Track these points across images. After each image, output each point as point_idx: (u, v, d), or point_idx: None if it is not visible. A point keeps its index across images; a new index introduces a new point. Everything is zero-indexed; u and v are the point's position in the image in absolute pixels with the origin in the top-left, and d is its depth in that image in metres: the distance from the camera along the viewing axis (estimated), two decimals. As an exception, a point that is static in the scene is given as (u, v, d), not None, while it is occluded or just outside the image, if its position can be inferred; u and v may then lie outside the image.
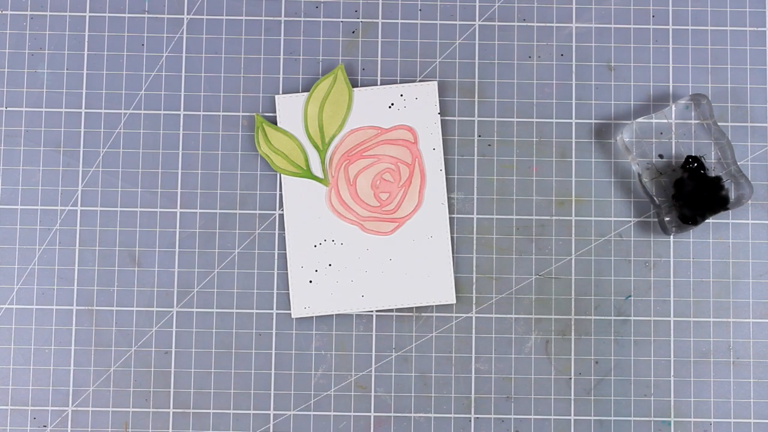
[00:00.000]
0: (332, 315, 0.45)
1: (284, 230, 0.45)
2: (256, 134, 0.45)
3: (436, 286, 0.45)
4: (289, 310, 0.45)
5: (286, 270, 0.45)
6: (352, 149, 0.45)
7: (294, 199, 0.45)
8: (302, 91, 0.46)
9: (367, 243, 0.45)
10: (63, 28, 0.46)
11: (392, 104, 0.45)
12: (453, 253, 0.45)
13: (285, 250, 0.45)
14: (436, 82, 0.46)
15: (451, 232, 0.45)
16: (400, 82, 0.46)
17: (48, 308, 0.45)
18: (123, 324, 0.45)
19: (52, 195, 0.46)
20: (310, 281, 0.45)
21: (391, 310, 0.45)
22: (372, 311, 0.45)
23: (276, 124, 0.45)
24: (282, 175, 0.45)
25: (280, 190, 0.46)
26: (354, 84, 0.46)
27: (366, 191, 0.45)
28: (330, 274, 0.45)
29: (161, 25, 0.46)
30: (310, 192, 0.45)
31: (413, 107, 0.45)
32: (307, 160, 0.45)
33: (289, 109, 0.45)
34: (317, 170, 0.45)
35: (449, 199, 0.45)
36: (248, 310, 0.45)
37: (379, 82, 0.46)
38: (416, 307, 0.45)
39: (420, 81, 0.46)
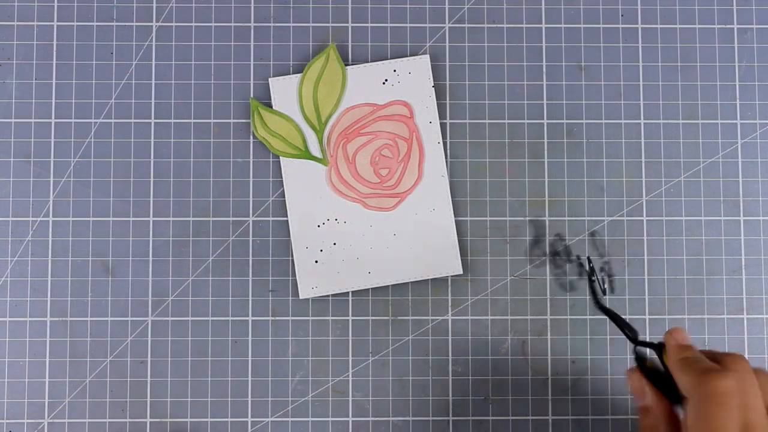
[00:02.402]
0: (308, 320, 0.45)
1: (287, 214, 0.45)
2: (252, 118, 0.45)
3: (442, 258, 0.45)
4: (268, 316, 0.45)
5: (262, 276, 0.45)
6: (349, 127, 0.45)
7: (294, 180, 0.45)
8: (294, 73, 0.46)
9: (370, 220, 0.45)
10: (31, 37, 0.46)
11: (386, 80, 0.45)
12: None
13: (258, 257, 0.45)
14: (428, 56, 0.46)
15: (426, 235, 0.45)
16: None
17: (21, 320, 0.45)
18: (98, 334, 0.45)
19: (23, 206, 0.45)
20: (316, 261, 0.45)
21: (366, 314, 0.45)
22: (378, 286, 0.45)
23: (270, 107, 0.45)
24: (281, 157, 0.45)
25: (254, 197, 0.46)
26: (325, 88, 0.46)
27: (366, 168, 0.45)
28: (335, 252, 0.45)
29: (130, 33, 0.46)
30: (310, 172, 0.45)
31: (407, 82, 0.45)
32: (305, 141, 0.45)
33: (284, 91, 0.45)
34: (315, 150, 0.45)
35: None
36: (224, 318, 0.45)
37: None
38: (392, 311, 0.45)
39: (412, 56, 0.46)
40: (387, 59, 0.46)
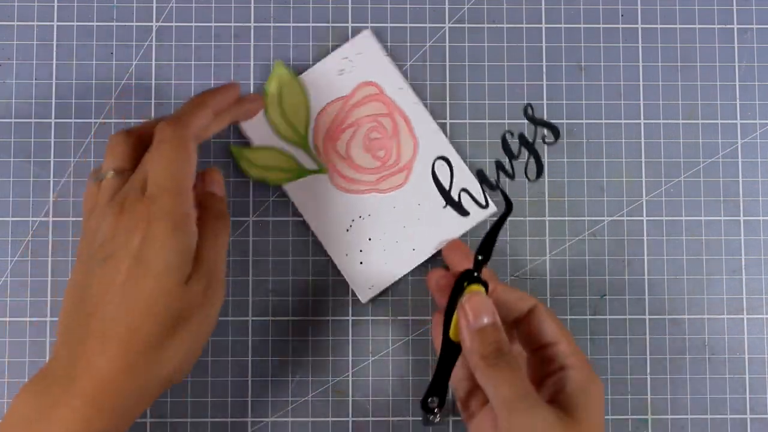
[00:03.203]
0: (308, 320, 0.45)
1: (314, 237, 0.45)
2: (240, 164, 0.45)
3: (471, 204, 0.45)
4: (268, 316, 0.45)
5: (263, 276, 0.45)
6: (329, 129, 0.45)
7: (305, 200, 0.45)
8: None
9: (390, 202, 0.45)
10: (31, 37, 0.46)
11: (342, 70, 0.45)
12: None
13: (258, 257, 0.45)
14: (368, 30, 0.45)
15: (426, 235, 0.45)
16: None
17: (21, 320, 0.45)
18: (98, 334, 0.45)
19: (23, 206, 0.45)
20: (361, 263, 0.45)
21: (366, 314, 0.45)
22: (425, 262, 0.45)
23: (252, 144, 0.45)
24: (283, 185, 0.45)
25: (253, 197, 0.46)
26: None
27: (363, 158, 0.45)
28: (375, 247, 0.45)
29: (130, 33, 0.46)
30: (315, 186, 0.45)
31: (362, 62, 0.45)
32: (297, 161, 0.45)
33: (255, 127, 0.45)
34: (310, 164, 0.45)
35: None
36: (224, 318, 0.45)
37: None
38: (392, 311, 0.45)
39: (354, 37, 0.45)
40: (331, 52, 0.45)
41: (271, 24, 0.46)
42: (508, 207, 0.39)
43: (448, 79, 0.46)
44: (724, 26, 0.47)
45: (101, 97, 0.46)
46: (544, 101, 0.46)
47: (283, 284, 0.45)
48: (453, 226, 0.45)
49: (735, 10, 0.47)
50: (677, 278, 0.46)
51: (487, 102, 0.46)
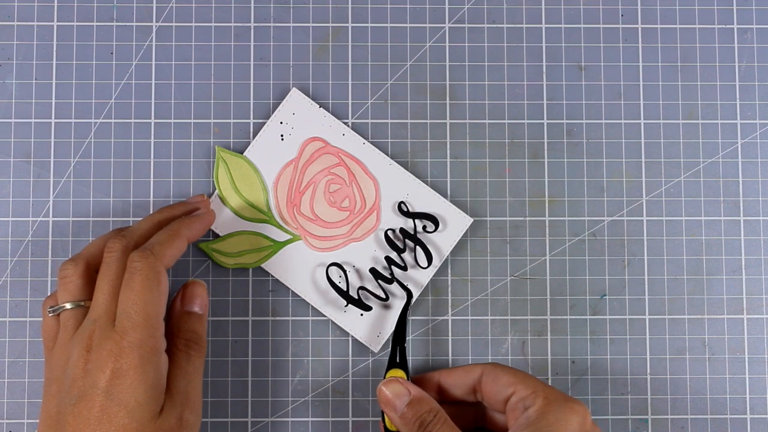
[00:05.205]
0: (308, 320, 0.45)
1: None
2: (213, 259, 0.45)
3: (451, 221, 0.45)
4: (268, 316, 0.45)
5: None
6: (289, 195, 0.45)
7: (285, 272, 0.45)
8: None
9: (370, 246, 0.45)
10: (31, 37, 0.46)
11: (282, 135, 0.45)
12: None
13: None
14: (293, 88, 0.45)
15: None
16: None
17: (21, 320, 0.45)
18: (98, 334, 0.45)
19: (23, 206, 0.45)
20: (361, 314, 0.45)
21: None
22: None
23: (219, 235, 0.45)
24: (269, 270, 0.45)
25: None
26: (325, 97, 0.46)
27: (330, 212, 0.45)
28: (368, 294, 0.44)
29: (130, 33, 0.46)
30: (292, 255, 0.45)
31: (299, 121, 0.45)
32: (267, 238, 0.45)
33: (222, 221, 0.45)
34: (282, 236, 0.45)
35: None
36: (224, 318, 0.45)
37: (350, 87, 0.46)
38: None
39: (283, 99, 0.45)
40: (267, 118, 0.45)
41: (271, 24, 0.46)
42: (409, 296, 0.44)
43: (448, 79, 0.46)
44: (724, 26, 0.47)
45: (101, 97, 0.46)
46: (544, 101, 0.46)
47: (283, 284, 0.45)
48: (437, 246, 0.45)
49: (735, 10, 0.47)
50: (677, 278, 0.46)
51: (487, 102, 0.46)
